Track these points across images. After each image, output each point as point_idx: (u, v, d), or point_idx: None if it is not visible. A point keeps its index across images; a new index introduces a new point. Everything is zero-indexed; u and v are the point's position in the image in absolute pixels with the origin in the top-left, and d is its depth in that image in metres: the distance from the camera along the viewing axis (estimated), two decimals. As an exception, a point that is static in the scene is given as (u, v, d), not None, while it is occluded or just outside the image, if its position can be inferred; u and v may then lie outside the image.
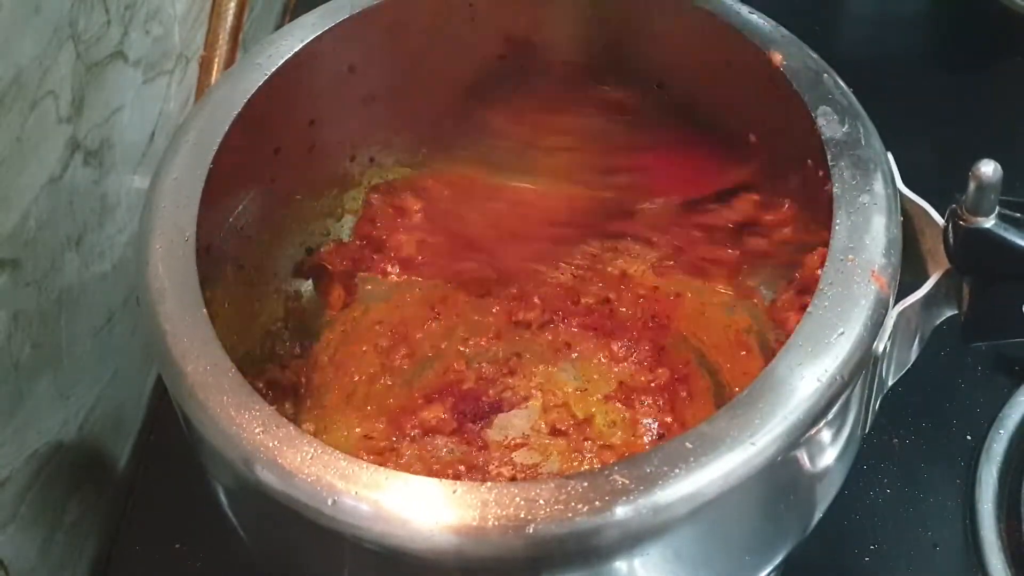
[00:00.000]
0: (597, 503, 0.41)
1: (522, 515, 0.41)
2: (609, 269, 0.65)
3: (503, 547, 0.41)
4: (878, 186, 0.50)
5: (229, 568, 0.64)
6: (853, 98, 0.53)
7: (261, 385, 0.57)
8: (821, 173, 0.51)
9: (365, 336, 0.63)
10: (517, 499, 0.42)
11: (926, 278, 0.50)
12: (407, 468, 0.57)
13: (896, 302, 0.48)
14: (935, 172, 0.56)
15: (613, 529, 0.42)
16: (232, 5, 0.77)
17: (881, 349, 0.47)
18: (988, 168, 0.46)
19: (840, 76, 0.54)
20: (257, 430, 0.44)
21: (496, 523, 0.41)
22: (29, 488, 0.58)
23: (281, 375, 0.60)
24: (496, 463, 0.58)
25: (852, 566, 0.62)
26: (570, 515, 0.41)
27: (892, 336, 0.48)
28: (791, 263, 0.57)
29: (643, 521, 0.42)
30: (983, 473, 0.64)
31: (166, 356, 0.47)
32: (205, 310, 0.48)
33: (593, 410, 0.60)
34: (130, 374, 0.70)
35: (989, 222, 0.48)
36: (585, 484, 0.42)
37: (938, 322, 0.52)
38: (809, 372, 0.44)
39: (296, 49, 0.58)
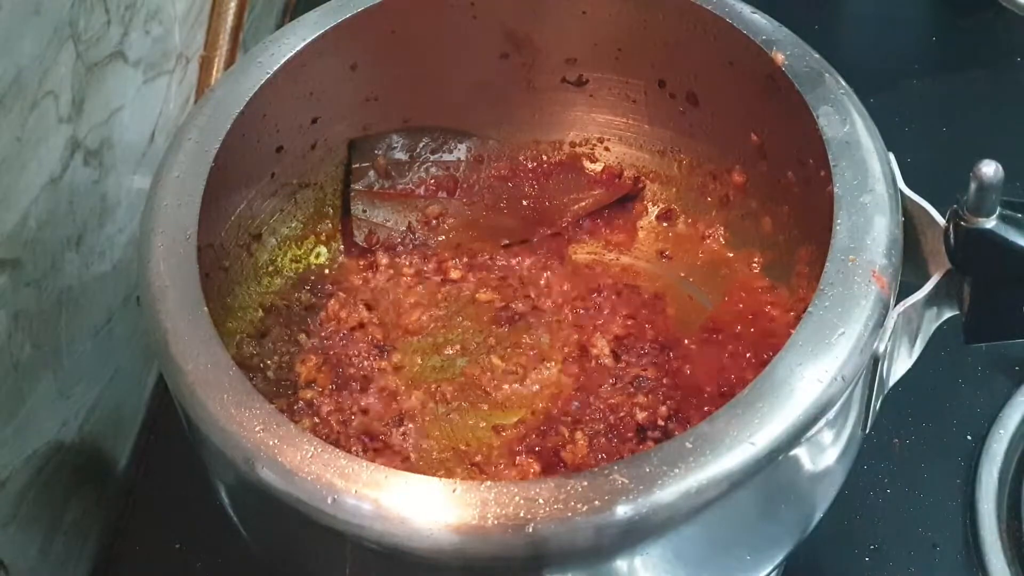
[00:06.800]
0: (597, 502, 0.41)
1: (522, 514, 0.41)
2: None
3: (503, 546, 0.41)
4: (879, 186, 0.50)
5: (229, 568, 0.64)
6: (855, 98, 0.53)
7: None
8: (822, 173, 0.51)
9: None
10: (517, 498, 0.42)
11: (927, 278, 0.50)
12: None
13: (897, 302, 0.48)
14: (936, 172, 0.56)
15: (613, 528, 0.42)
16: (232, 5, 0.77)
17: (882, 349, 0.47)
18: (989, 168, 0.46)
19: (841, 76, 0.54)
20: (257, 428, 0.44)
21: (496, 522, 0.41)
22: (29, 488, 0.58)
23: None
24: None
25: (852, 566, 0.62)
26: (570, 514, 0.41)
27: (893, 336, 0.48)
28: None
29: (643, 521, 0.42)
30: (983, 473, 0.64)
31: (167, 354, 0.47)
32: (206, 308, 0.48)
33: None
34: (130, 374, 0.70)
35: (990, 223, 0.47)
36: (585, 483, 0.42)
37: (939, 323, 0.52)
38: (809, 372, 0.44)
39: (298, 48, 0.58)
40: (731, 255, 0.64)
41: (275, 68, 0.57)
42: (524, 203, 0.68)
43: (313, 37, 0.58)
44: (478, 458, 0.57)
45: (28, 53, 0.54)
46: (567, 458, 0.56)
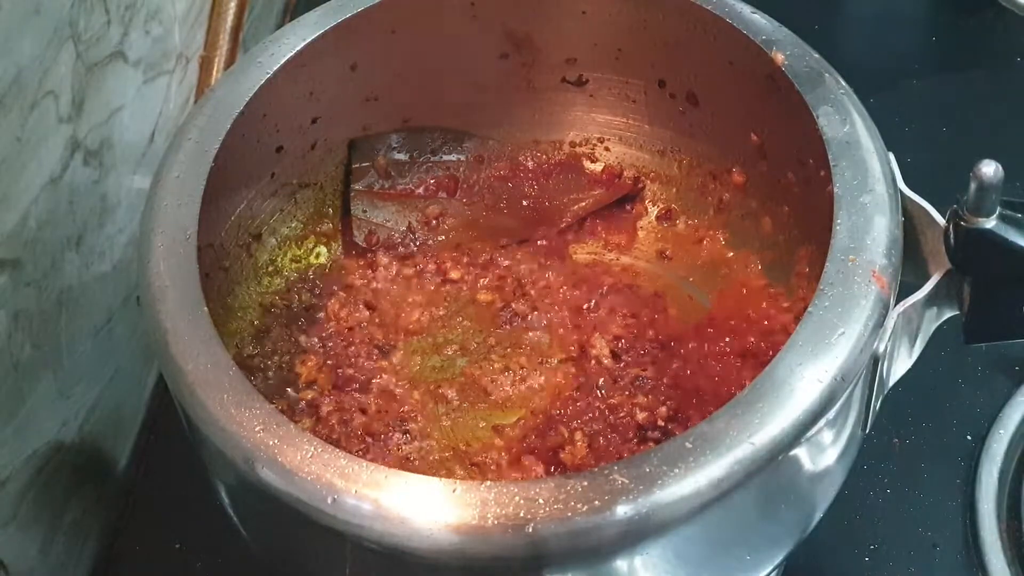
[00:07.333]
0: (596, 502, 0.41)
1: (522, 514, 0.41)
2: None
3: (503, 546, 0.41)
4: (879, 186, 0.50)
5: (229, 568, 0.64)
6: (855, 98, 0.53)
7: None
8: (822, 173, 0.51)
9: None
10: (517, 498, 0.42)
11: (927, 278, 0.50)
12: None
13: (897, 302, 0.48)
14: (936, 172, 0.56)
15: (612, 528, 0.42)
16: (232, 5, 0.77)
17: (882, 349, 0.47)
18: (989, 168, 0.46)
19: (841, 76, 0.54)
20: (257, 428, 0.44)
21: (496, 522, 0.41)
22: (29, 488, 0.58)
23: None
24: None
25: (852, 566, 0.62)
26: (569, 514, 0.41)
27: (893, 336, 0.48)
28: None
29: (643, 521, 0.42)
30: (983, 473, 0.64)
31: (167, 354, 0.47)
32: (206, 308, 0.48)
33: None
34: (130, 374, 0.70)
35: (990, 223, 0.48)
36: (585, 483, 0.42)
37: (939, 323, 0.52)
38: (809, 372, 0.44)
39: (298, 48, 0.58)
40: (731, 255, 0.64)
41: (275, 68, 0.57)
42: (524, 203, 0.68)
43: (313, 37, 0.58)
44: (478, 458, 0.57)
45: (28, 53, 0.54)
46: (567, 458, 0.56)
